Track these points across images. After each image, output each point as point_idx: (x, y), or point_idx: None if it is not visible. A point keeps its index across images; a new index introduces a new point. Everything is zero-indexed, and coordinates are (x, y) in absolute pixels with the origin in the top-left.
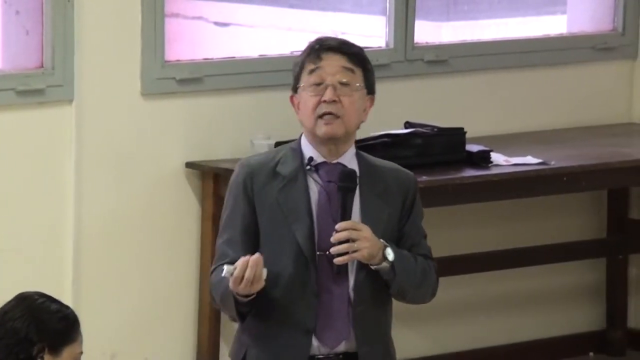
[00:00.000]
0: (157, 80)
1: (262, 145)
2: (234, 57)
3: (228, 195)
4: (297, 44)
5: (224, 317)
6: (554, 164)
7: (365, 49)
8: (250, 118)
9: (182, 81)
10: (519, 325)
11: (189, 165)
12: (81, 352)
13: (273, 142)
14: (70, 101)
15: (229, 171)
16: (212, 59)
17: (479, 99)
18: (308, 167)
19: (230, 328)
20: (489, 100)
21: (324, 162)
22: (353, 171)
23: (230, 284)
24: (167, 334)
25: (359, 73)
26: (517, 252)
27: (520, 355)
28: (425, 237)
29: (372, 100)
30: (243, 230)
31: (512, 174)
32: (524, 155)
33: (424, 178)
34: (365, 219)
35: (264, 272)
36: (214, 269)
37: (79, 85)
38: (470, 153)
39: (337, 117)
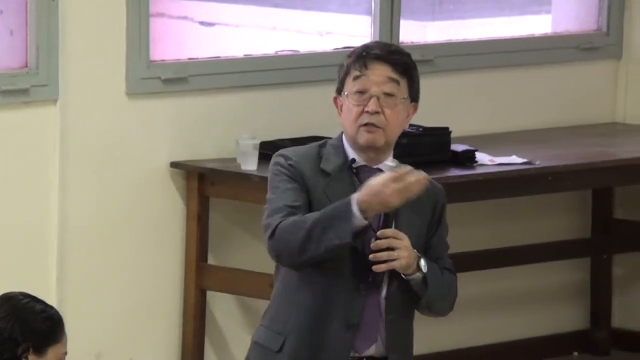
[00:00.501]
0: (142, 80)
1: (248, 145)
2: (219, 57)
3: (276, 177)
4: (282, 44)
5: (209, 317)
6: (538, 163)
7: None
8: (235, 118)
9: (167, 81)
10: (503, 325)
11: (174, 165)
12: (65, 353)
13: (258, 141)
14: (55, 101)
15: (214, 171)
16: (197, 58)
17: (464, 99)
18: (350, 167)
19: (215, 328)
20: (474, 100)
21: (364, 166)
22: None
23: (381, 180)
24: (152, 334)
25: (403, 84)
26: (502, 251)
27: (505, 354)
28: (447, 250)
29: (416, 108)
30: (304, 205)
31: (497, 174)
32: (509, 155)
33: None
34: (398, 228)
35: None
36: (283, 219)
37: (63, 85)
38: (455, 153)
39: (379, 127)
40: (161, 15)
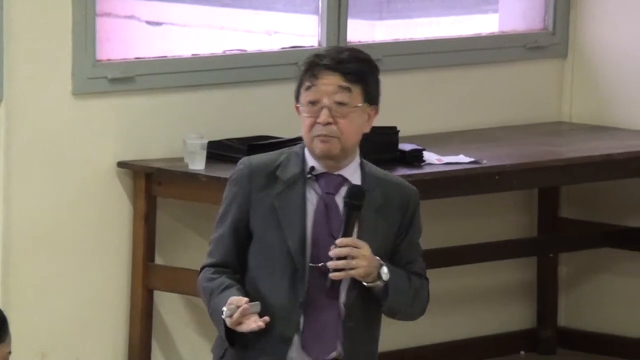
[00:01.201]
0: (88, 80)
1: (195, 144)
2: (166, 57)
3: (227, 190)
4: (229, 43)
5: (156, 318)
6: (485, 163)
7: (298, 48)
8: (182, 117)
9: (113, 80)
10: (450, 324)
11: (121, 164)
12: (9, 352)
13: (206, 141)
14: (0, 101)
15: (162, 171)
16: (144, 58)
17: (411, 98)
18: (309, 175)
19: (162, 328)
20: (421, 99)
21: (325, 173)
22: (362, 189)
23: (228, 323)
24: (98, 334)
25: (357, 91)
26: (449, 250)
27: (451, 354)
28: (421, 254)
29: (377, 110)
30: (233, 230)
31: (444, 173)
32: (456, 154)
33: None
34: (361, 233)
35: (257, 306)
36: (204, 267)
37: (8, 85)
38: (403, 152)
39: (333, 137)
40: (108, 14)
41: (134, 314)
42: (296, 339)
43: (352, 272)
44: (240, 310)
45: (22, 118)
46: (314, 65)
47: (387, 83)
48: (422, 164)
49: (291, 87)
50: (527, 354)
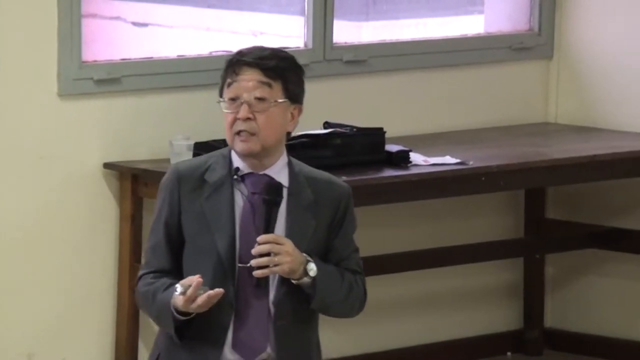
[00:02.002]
0: (74, 81)
1: (181, 145)
2: (152, 58)
3: (157, 198)
4: (215, 44)
5: (143, 318)
6: (472, 163)
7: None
8: (168, 118)
9: (99, 82)
10: (436, 325)
11: (107, 165)
12: None
13: (192, 142)
14: None
15: (148, 172)
16: (130, 59)
17: (398, 99)
18: (235, 177)
19: (149, 329)
20: (408, 100)
21: (251, 173)
22: (279, 184)
23: (179, 303)
24: (85, 335)
25: (277, 86)
26: (435, 252)
27: (438, 355)
28: (357, 250)
29: (300, 110)
30: (166, 238)
31: (431, 174)
32: (443, 155)
33: (344, 178)
34: (290, 231)
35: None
36: (142, 276)
37: None
38: (389, 153)
39: (252, 134)
40: (93, 15)
41: (121, 314)
42: (228, 341)
43: (276, 269)
44: (195, 284)
45: (8, 119)
46: (234, 62)
47: (373, 84)
48: (409, 165)
49: None
50: (514, 355)
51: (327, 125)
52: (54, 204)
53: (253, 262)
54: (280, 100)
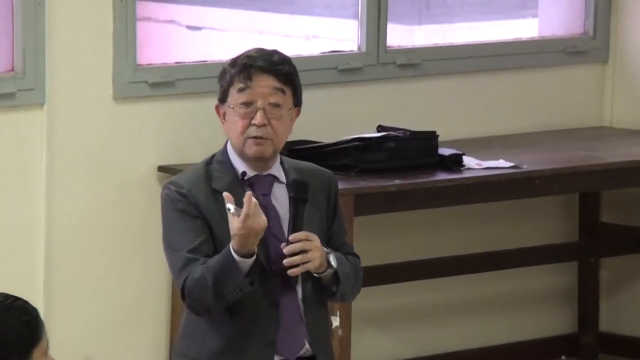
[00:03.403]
0: (129, 84)
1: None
2: (205, 61)
3: (170, 214)
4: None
5: None
6: (526, 167)
7: (337, 53)
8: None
9: (154, 85)
10: (490, 329)
11: (161, 169)
12: (47, 343)
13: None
14: (42, 105)
15: None
16: (184, 62)
17: (451, 103)
18: (242, 180)
19: None
20: (461, 104)
21: (256, 176)
22: (305, 182)
23: (238, 225)
24: (140, 337)
25: (289, 92)
26: (489, 255)
27: (492, 358)
28: (347, 234)
29: (299, 112)
30: (204, 240)
31: (485, 178)
32: (496, 158)
33: (397, 182)
34: (303, 227)
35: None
36: (187, 277)
37: (50, 89)
38: (442, 157)
39: (267, 139)
40: (148, 19)
41: (175, 316)
42: (274, 344)
43: (308, 265)
44: (248, 197)
45: (64, 122)
46: (247, 66)
47: (426, 88)
48: (462, 168)
49: (331, 92)
50: (568, 359)
51: (380, 128)
52: (108, 207)
53: (286, 262)
54: (291, 107)
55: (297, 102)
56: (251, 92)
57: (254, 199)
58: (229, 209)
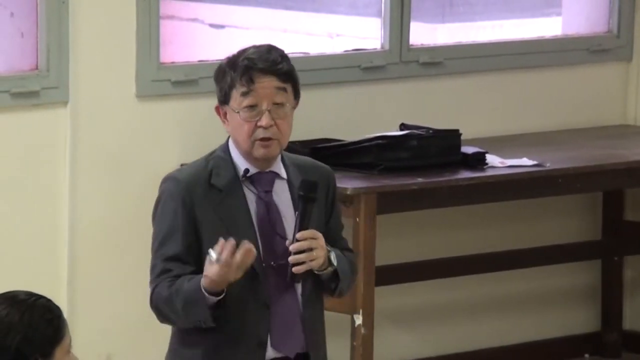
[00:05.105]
0: (152, 82)
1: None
2: None
3: (162, 210)
4: (292, 46)
5: None
6: (549, 165)
7: (360, 51)
8: None
9: (177, 83)
10: (513, 327)
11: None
12: (70, 341)
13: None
14: (65, 103)
15: None
16: (207, 60)
17: (474, 101)
18: (243, 178)
19: None
20: (484, 102)
21: (258, 173)
22: (315, 181)
23: (214, 272)
24: (162, 336)
25: (290, 89)
26: (512, 253)
27: (515, 357)
28: (342, 229)
29: (297, 103)
30: (185, 249)
31: (508, 176)
32: (520, 157)
33: (419, 180)
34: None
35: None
36: (157, 286)
37: (74, 87)
38: (465, 155)
39: (274, 139)
40: (171, 17)
41: None
42: (269, 341)
43: (313, 263)
44: (230, 245)
45: (87, 120)
46: (248, 69)
47: (449, 86)
48: (485, 167)
49: (354, 90)
50: (592, 357)
51: (403, 127)
52: (131, 205)
53: (291, 259)
54: (293, 104)
55: (297, 96)
56: (255, 94)
57: (238, 255)
58: (210, 255)
